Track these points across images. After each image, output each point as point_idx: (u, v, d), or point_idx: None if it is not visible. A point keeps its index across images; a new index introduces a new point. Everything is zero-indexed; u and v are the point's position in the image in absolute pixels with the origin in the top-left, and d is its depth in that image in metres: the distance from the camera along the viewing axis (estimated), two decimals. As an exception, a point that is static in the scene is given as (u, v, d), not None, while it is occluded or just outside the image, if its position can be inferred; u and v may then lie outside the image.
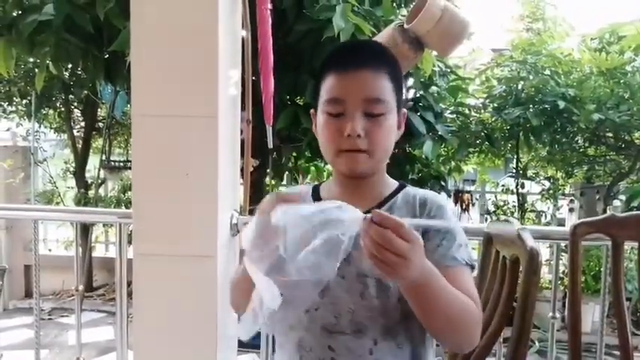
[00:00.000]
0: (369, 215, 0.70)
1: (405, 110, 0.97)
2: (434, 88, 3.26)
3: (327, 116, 0.91)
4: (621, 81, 3.61)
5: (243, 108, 1.46)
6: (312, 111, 1.00)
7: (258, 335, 1.53)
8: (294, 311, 0.74)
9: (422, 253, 0.72)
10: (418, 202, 0.94)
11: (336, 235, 0.67)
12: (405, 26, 1.24)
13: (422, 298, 0.78)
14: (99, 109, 4.77)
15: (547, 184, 4.37)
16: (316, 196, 1.00)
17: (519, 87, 3.90)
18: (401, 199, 0.96)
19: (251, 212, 1.58)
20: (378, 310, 0.87)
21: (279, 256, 0.70)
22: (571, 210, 4.62)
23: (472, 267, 0.91)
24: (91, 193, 4.35)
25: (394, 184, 1.00)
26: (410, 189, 0.98)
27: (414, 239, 0.70)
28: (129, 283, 1.44)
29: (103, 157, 4.49)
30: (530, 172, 4.44)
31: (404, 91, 0.97)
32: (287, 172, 4.09)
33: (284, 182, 4.32)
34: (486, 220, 4.30)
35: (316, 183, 1.08)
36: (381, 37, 1.32)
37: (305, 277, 0.68)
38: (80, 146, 4.50)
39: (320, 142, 0.96)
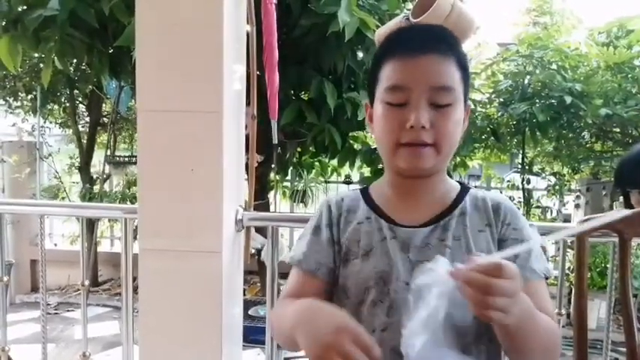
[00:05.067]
0: (453, 269, 0.66)
1: (470, 103, 0.86)
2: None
3: (386, 106, 0.81)
4: (629, 75, 3.58)
5: (248, 103, 1.45)
6: (365, 102, 0.90)
7: (262, 331, 1.54)
8: None
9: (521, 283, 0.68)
10: (491, 207, 0.86)
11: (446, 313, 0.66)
12: (412, 20, 1.22)
13: (522, 334, 0.73)
14: (104, 104, 4.78)
15: (553, 179, 4.35)
16: (368, 200, 0.90)
17: (526, 82, 3.88)
18: (470, 204, 0.86)
19: (256, 208, 1.59)
20: None
21: None
22: (577, 206, 4.59)
23: (547, 278, 0.85)
24: (96, 188, 4.36)
25: (456, 185, 0.90)
26: (475, 191, 0.89)
27: (514, 274, 0.65)
28: (134, 278, 1.44)
29: (108, 153, 4.50)
30: (536, 168, 4.43)
31: (470, 82, 0.86)
32: (291, 168, 4.09)
33: (288, 177, 4.32)
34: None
35: (364, 186, 0.96)
36: (388, 27, 1.31)
37: None
38: (85, 141, 4.51)
39: (375, 136, 0.86)
